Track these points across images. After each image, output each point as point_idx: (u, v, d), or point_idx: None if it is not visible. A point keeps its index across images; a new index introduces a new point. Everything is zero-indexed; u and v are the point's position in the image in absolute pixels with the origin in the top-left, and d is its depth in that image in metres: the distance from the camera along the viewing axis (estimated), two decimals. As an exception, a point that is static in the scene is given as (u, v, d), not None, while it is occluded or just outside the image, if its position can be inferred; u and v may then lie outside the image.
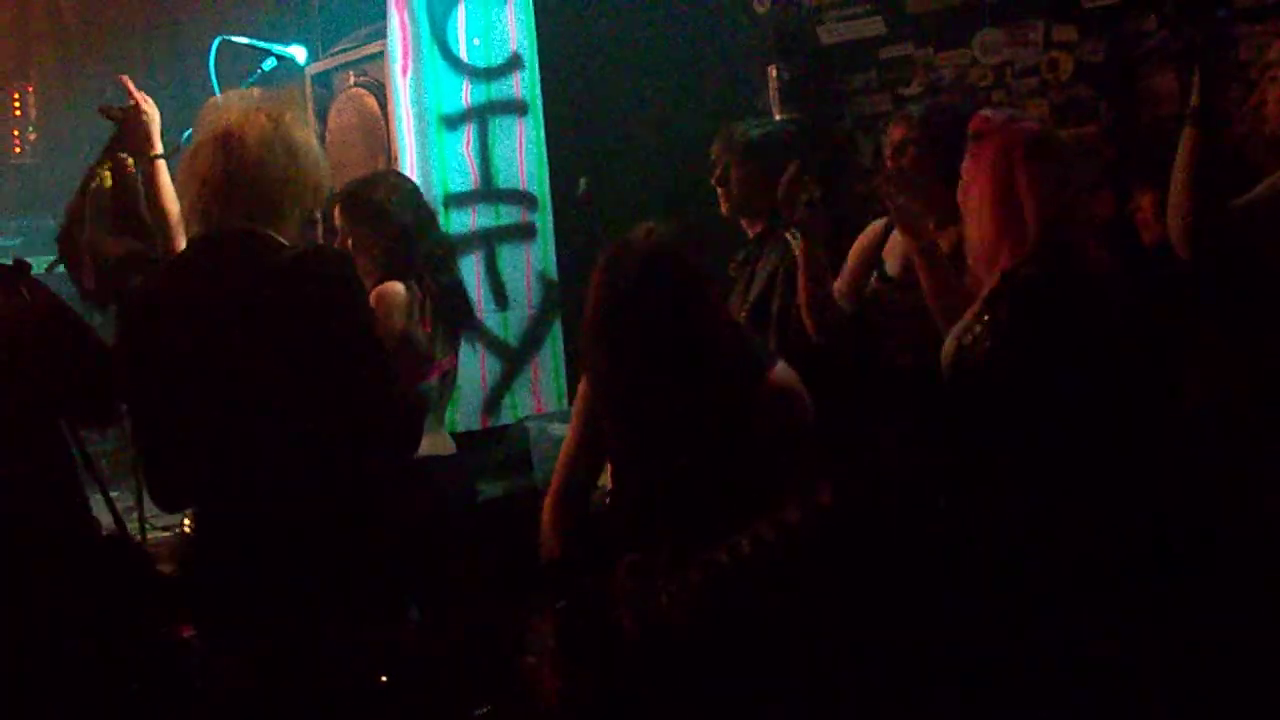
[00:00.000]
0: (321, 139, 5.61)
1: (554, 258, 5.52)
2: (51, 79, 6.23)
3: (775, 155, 4.00)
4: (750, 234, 4.14)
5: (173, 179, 3.46)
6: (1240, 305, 3.28)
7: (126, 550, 3.18)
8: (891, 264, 3.73)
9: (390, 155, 5.25)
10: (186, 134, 4.59)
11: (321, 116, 5.65)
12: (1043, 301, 3.03)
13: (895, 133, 3.73)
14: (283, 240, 2.86)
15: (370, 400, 2.78)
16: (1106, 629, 2.95)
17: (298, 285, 2.77)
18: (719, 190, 4.13)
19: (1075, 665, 2.93)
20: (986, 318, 3.10)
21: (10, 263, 3.20)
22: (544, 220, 5.52)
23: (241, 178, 2.84)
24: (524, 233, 5.49)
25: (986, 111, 3.26)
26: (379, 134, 5.35)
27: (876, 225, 3.85)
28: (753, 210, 4.10)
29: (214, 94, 4.62)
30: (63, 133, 6.11)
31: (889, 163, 3.71)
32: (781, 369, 3.03)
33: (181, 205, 3.07)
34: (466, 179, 5.38)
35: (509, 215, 5.45)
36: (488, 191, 5.43)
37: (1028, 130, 3.15)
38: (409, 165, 5.18)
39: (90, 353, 3.12)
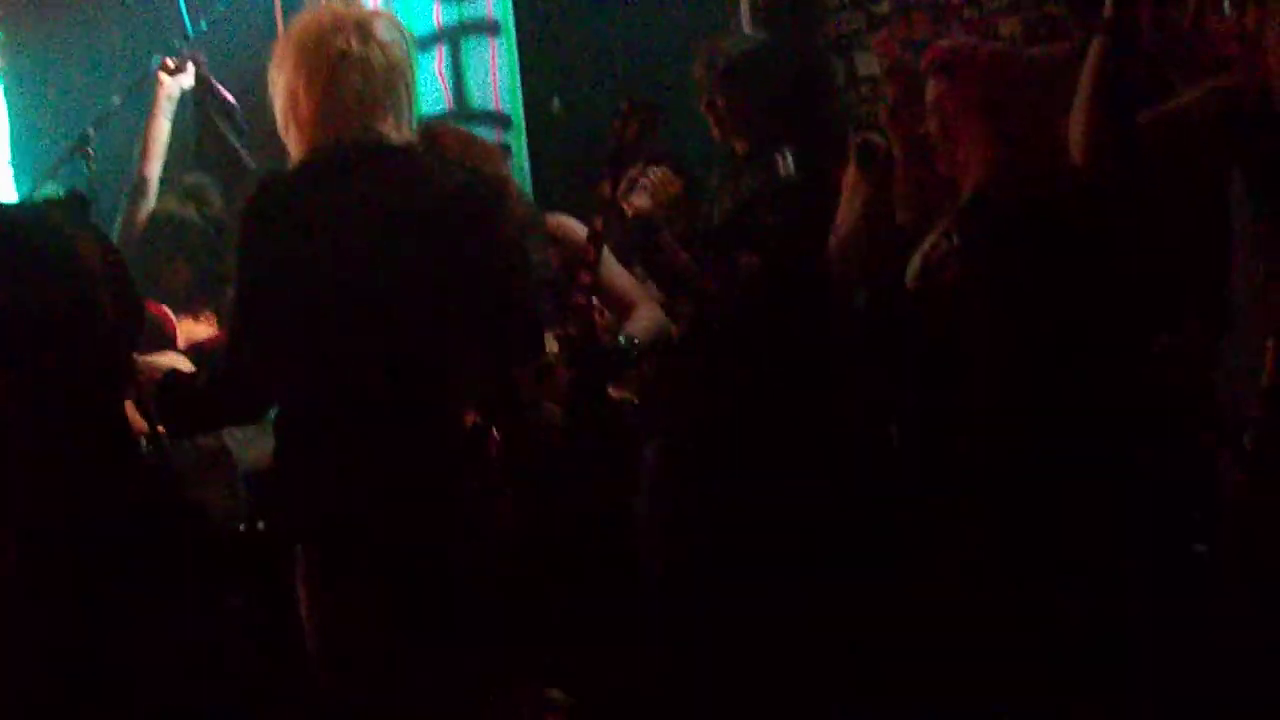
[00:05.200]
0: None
1: (529, 178, 5.50)
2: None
3: (758, 75, 4.02)
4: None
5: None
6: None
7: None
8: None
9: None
10: (156, 61, 4.59)
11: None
12: (1011, 224, 3.08)
13: (888, 88, 3.73)
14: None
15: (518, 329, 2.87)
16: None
17: (471, 207, 2.77)
18: (710, 116, 4.15)
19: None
20: (955, 239, 3.15)
21: (65, 195, 3.12)
22: (519, 141, 5.50)
23: (370, 85, 2.75)
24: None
25: (940, 43, 3.31)
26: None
27: None
28: (742, 132, 4.12)
29: (184, 25, 4.63)
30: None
31: (887, 118, 3.71)
32: None
33: (284, 114, 2.84)
34: (439, 100, 5.38)
35: (484, 136, 5.41)
36: (461, 112, 5.42)
37: (989, 53, 3.19)
38: (381, 88, 5.15)
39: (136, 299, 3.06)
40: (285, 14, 5.59)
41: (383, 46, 2.77)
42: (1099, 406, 3.05)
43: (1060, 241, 3.06)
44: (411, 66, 2.83)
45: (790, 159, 3.74)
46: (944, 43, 3.29)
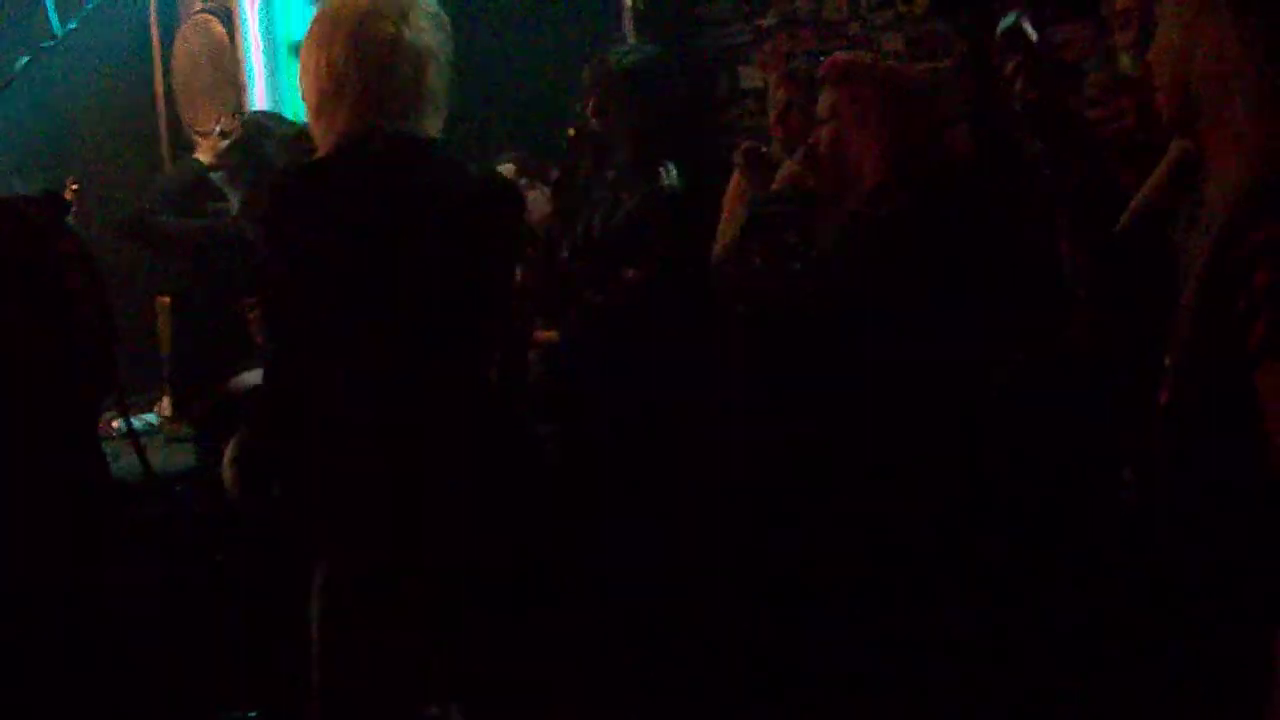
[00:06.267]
0: (166, 68, 5.49)
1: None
2: None
3: (651, 85, 4.00)
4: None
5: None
6: None
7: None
8: None
9: (239, 85, 5.12)
10: (22, 62, 4.44)
11: (166, 44, 5.49)
12: (899, 232, 3.11)
13: (779, 93, 3.77)
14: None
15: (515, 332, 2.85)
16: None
17: (490, 207, 2.66)
18: (596, 121, 4.11)
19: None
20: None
21: (42, 195, 2.90)
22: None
23: (400, 75, 2.59)
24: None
25: (839, 55, 3.34)
26: (227, 63, 5.20)
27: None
28: (628, 141, 4.09)
29: (50, 25, 4.47)
30: None
31: (775, 122, 3.73)
32: None
33: (325, 95, 2.66)
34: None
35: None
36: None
37: (873, 70, 3.24)
38: (258, 95, 5.06)
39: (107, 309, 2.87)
40: (158, 14, 5.50)
41: (427, 32, 2.63)
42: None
43: (947, 249, 3.10)
44: (449, 55, 2.68)
45: (674, 170, 3.71)
46: (840, 54, 3.34)
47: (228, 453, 2.73)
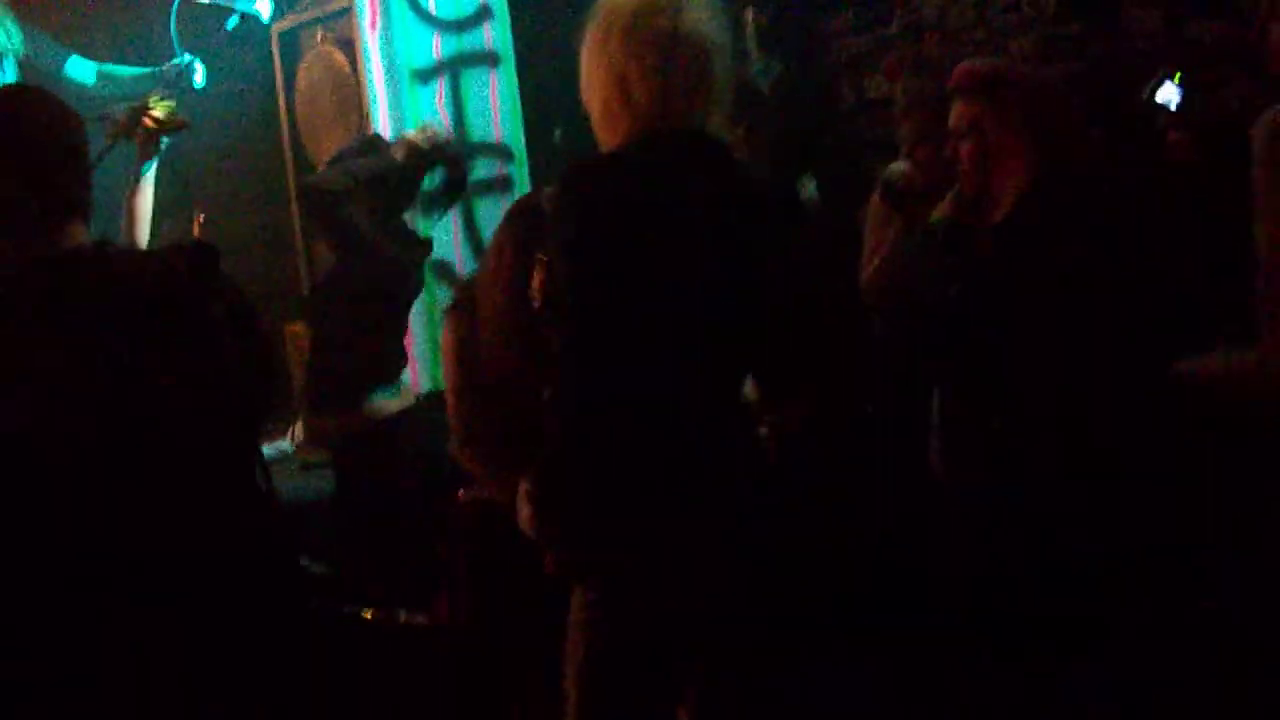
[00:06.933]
0: (289, 100, 5.54)
1: (532, 210, 5.42)
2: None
3: (780, 102, 3.97)
4: None
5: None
6: None
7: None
8: None
9: (362, 113, 5.15)
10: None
11: (289, 75, 5.54)
12: (1057, 236, 3.02)
13: (908, 124, 3.67)
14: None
15: None
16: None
17: (775, 220, 2.54)
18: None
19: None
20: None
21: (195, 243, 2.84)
22: (520, 173, 5.43)
23: (682, 71, 2.48)
24: (501, 186, 5.38)
25: (967, 63, 3.26)
26: (349, 92, 5.23)
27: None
28: (760, 159, 4.04)
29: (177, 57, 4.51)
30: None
31: (907, 154, 3.63)
32: None
33: (610, 101, 2.52)
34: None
35: (485, 169, 5.34)
36: (462, 144, 5.33)
37: (1011, 75, 3.16)
38: (381, 122, 5.08)
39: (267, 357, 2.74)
40: (280, 45, 5.55)
41: (705, 22, 2.52)
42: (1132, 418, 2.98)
43: (1108, 247, 3.01)
44: (730, 45, 2.58)
45: (812, 184, 3.65)
46: (974, 63, 3.24)
47: (524, 489, 2.62)
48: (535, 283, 2.58)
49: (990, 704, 3.08)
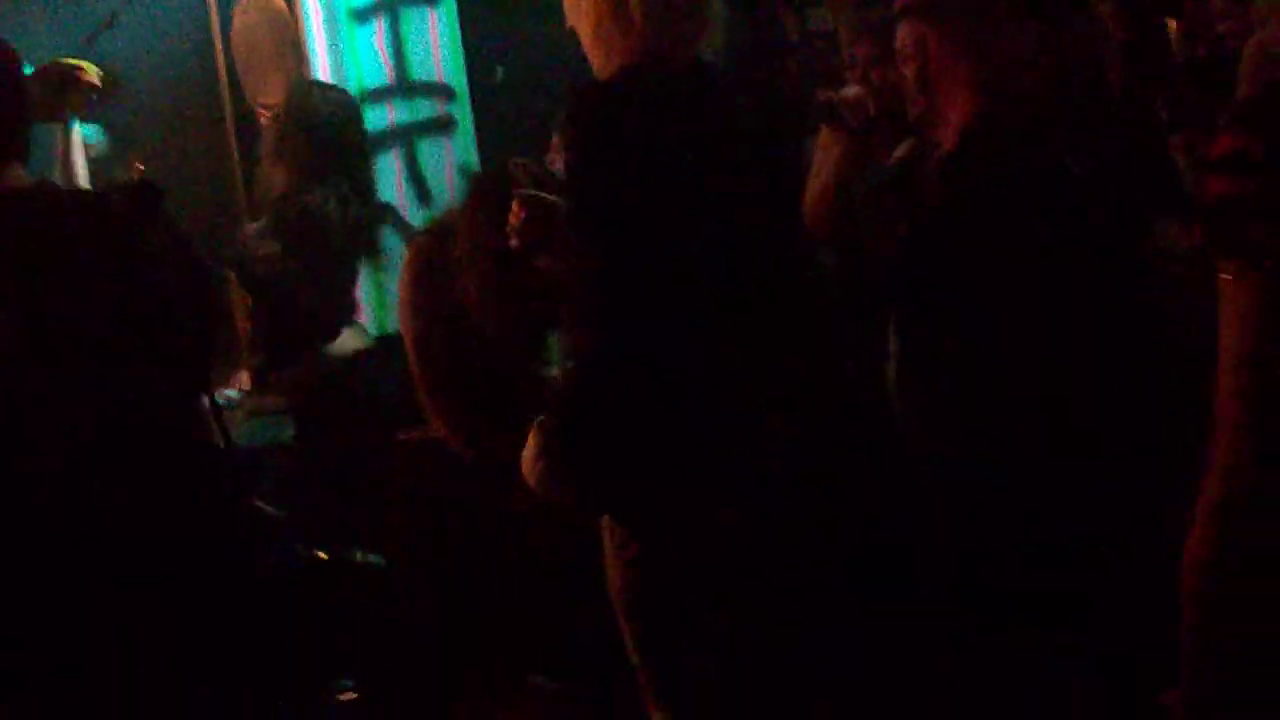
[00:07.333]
0: (226, 43, 5.45)
1: (475, 150, 5.37)
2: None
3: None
4: None
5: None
6: None
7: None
8: None
9: (300, 54, 5.07)
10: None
11: (225, 18, 5.44)
12: (1001, 169, 2.92)
13: (860, 50, 3.62)
14: None
15: None
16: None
17: (778, 138, 2.56)
18: None
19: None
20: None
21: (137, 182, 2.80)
22: (463, 112, 5.36)
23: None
24: (443, 126, 5.33)
25: None
26: (286, 32, 5.15)
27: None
28: None
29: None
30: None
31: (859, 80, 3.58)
32: None
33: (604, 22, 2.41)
34: (381, 73, 5.21)
35: (426, 109, 5.29)
36: (403, 85, 5.27)
37: None
38: (320, 63, 5.02)
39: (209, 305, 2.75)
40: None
41: None
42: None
43: (1054, 184, 2.92)
44: None
45: None
46: None
47: (531, 444, 2.51)
48: (512, 219, 2.53)
49: (975, 675, 3.04)
